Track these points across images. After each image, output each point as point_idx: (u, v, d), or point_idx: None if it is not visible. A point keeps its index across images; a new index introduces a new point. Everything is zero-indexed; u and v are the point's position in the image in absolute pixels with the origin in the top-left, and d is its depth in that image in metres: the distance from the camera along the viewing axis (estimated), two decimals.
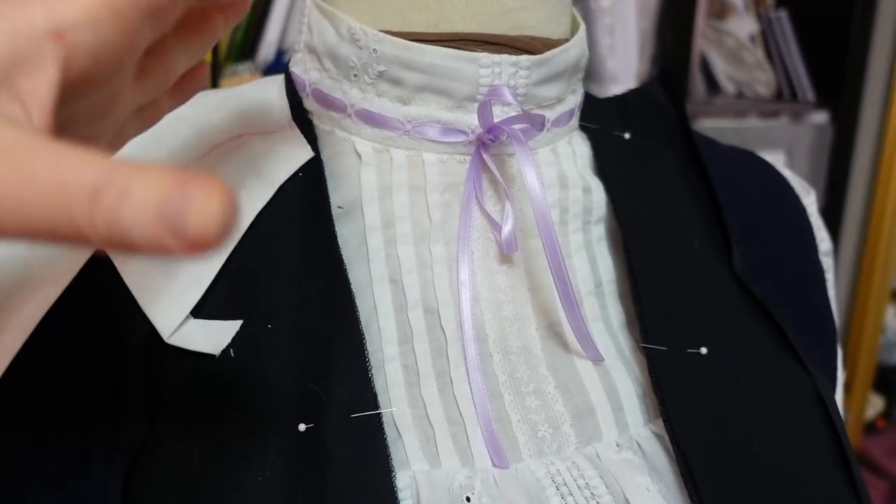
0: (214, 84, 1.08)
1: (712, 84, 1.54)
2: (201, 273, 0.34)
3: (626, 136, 0.45)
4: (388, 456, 0.31)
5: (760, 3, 1.56)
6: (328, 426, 0.31)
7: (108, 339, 0.33)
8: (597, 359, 0.37)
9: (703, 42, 1.47)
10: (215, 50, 1.07)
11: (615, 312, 0.40)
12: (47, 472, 0.32)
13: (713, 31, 1.51)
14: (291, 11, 1.18)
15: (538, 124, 0.36)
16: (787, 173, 0.52)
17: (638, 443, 0.36)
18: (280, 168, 0.37)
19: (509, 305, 0.38)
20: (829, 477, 0.37)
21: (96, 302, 0.34)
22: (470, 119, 0.37)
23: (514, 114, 0.37)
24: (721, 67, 1.54)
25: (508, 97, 0.35)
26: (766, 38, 1.56)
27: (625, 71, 1.36)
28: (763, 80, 1.54)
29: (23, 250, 0.34)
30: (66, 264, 0.34)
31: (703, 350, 0.37)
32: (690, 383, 0.36)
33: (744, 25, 1.51)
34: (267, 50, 1.16)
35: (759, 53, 1.54)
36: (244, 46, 1.16)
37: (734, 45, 1.51)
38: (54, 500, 0.31)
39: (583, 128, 0.43)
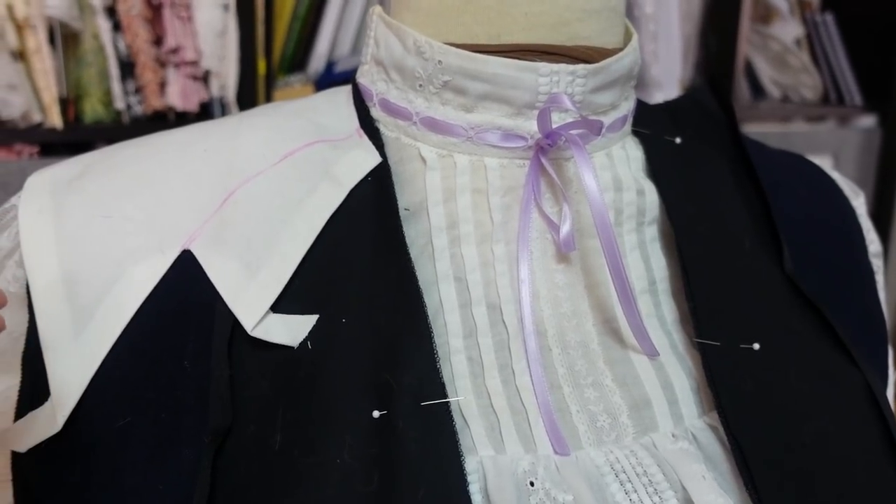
0: (268, 96, 1.12)
1: (757, 89, 1.54)
2: (281, 270, 0.36)
3: (678, 140, 0.46)
4: (457, 441, 0.33)
5: (806, 7, 1.55)
6: (400, 413, 0.33)
7: (194, 332, 0.36)
8: (652, 353, 0.39)
9: (747, 47, 1.47)
10: (269, 62, 1.11)
11: (668, 310, 0.42)
12: (139, 455, 0.34)
13: (758, 35, 1.51)
14: (341, 25, 1.21)
15: (595, 129, 0.37)
16: (836, 175, 0.53)
17: (693, 434, 0.37)
18: (350, 173, 0.39)
19: (567, 302, 0.40)
20: (880, 472, 0.38)
21: (183, 297, 0.36)
22: (529, 125, 0.39)
23: (571, 120, 0.39)
24: (766, 72, 1.54)
25: (567, 104, 0.37)
26: (812, 41, 1.55)
27: (668, 77, 1.36)
28: (809, 84, 1.53)
29: (114, 251, 0.37)
30: (156, 263, 0.36)
31: (756, 346, 0.39)
32: (744, 377, 0.38)
33: (789, 29, 1.51)
34: (317, 62, 1.20)
35: (805, 57, 1.53)
36: (295, 58, 1.20)
37: (779, 49, 1.51)
38: (146, 481, 0.34)
39: (635, 133, 0.45)
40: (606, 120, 0.41)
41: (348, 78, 0.46)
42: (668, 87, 1.36)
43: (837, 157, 1.56)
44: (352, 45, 1.22)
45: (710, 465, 0.36)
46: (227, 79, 1.08)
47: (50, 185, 0.39)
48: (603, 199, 0.38)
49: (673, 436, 0.37)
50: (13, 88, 0.97)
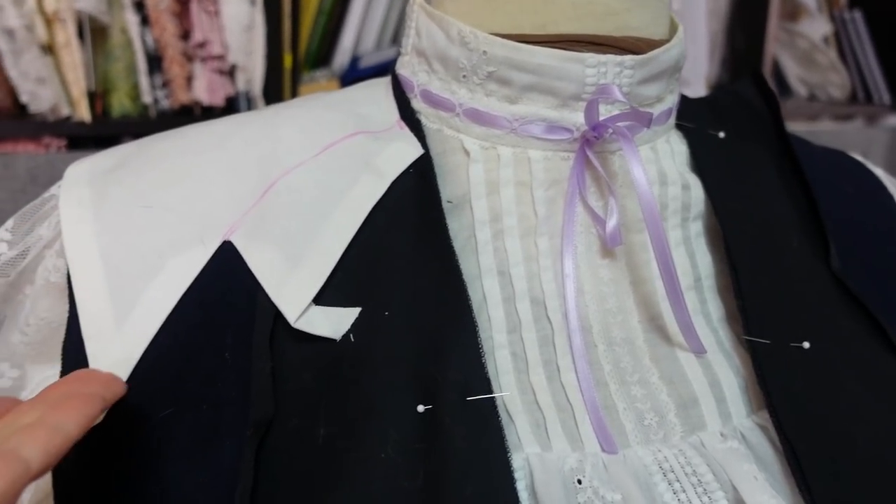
0: (294, 90, 1.12)
1: (783, 87, 1.52)
2: (323, 262, 0.36)
3: (721, 134, 0.45)
4: (504, 438, 0.32)
5: (834, 4, 1.53)
6: (445, 408, 0.33)
7: (235, 324, 0.35)
8: (699, 351, 0.38)
9: (774, 44, 1.45)
10: (295, 57, 1.11)
11: (714, 307, 0.41)
12: (181, 446, 0.34)
13: (785, 32, 1.49)
14: (365, 20, 1.21)
15: (645, 121, 0.37)
16: (880, 172, 0.52)
17: (742, 433, 0.37)
18: (392, 165, 0.39)
19: (612, 298, 0.39)
20: None
21: (224, 288, 0.36)
22: (575, 117, 0.38)
23: (617, 112, 0.38)
24: (793, 70, 1.52)
25: (618, 95, 0.36)
26: (840, 39, 1.53)
27: (695, 74, 1.35)
28: (837, 83, 1.51)
29: (154, 241, 0.37)
30: (197, 255, 0.36)
31: (806, 344, 0.38)
32: (794, 376, 0.37)
33: (817, 26, 1.49)
34: (342, 56, 1.20)
35: (833, 55, 1.51)
36: (320, 53, 1.19)
37: (807, 46, 1.49)
38: (188, 472, 0.34)
39: (679, 126, 0.44)
40: (652, 112, 0.40)
41: (373, 73, 0.45)
42: (694, 84, 1.35)
43: (865, 157, 1.53)
44: (376, 41, 1.21)
45: (760, 465, 0.35)
46: (253, 73, 1.08)
47: (89, 175, 0.39)
48: (653, 193, 0.37)
49: (721, 435, 0.36)
50: (42, 82, 0.97)
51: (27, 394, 0.41)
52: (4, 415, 0.30)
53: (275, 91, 1.09)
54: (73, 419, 0.28)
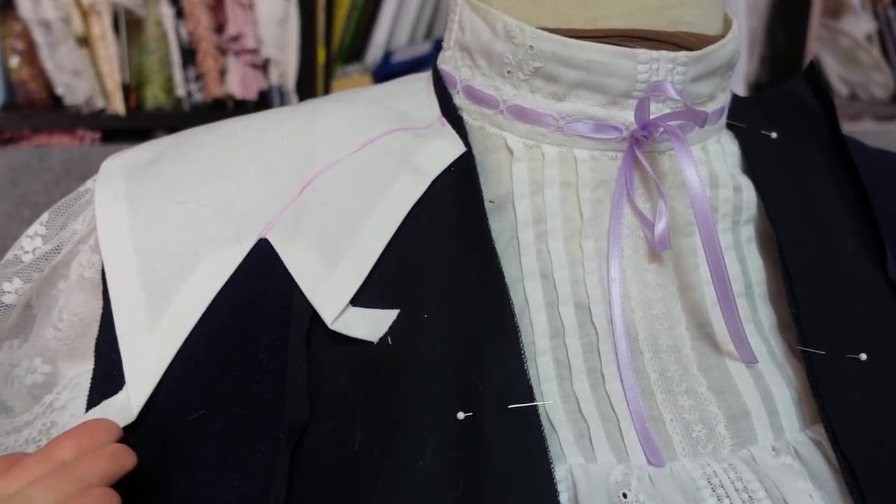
0: (327, 85, 1.11)
1: None
2: (361, 262, 0.35)
3: (773, 135, 0.44)
4: (546, 448, 0.31)
5: (878, 1, 1.49)
6: (485, 416, 0.32)
7: (270, 324, 0.34)
8: (751, 361, 0.37)
9: (815, 42, 1.42)
10: (328, 51, 1.10)
11: (766, 315, 0.39)
12: (214, 449, 0.33)
13: (827, 30, 1.45)
14: (399, 15, 1.20)
15: (700, 120, 0.35)
16: None
17: (795, 448, 0.35)
18: (433, 163, 0.38)
19: (659, 304, 0.37)
20: None
21: (259, 287, 0.35)
22: (624, 116, 0.37)
23: (668, 110, 0.37)
24: (834, 68, 1.49)
25: (672, 93, 0.35)
26: (884, 37, 1.49)
27: (734, 73, 1.32)
28: (880, 82, 1.47)
29: (190, 238, 0.36)
30: (232, 252, 0.35)
31: (863, 356, 0.36)
32: (851, 390, 0.35)
33: (860, 24, 1.45)
34: (375, 52, 1.19)
35: (876, 53, 1.47)
36: (353, 48, 1.19)
37: (849, 45, 1.45)
38: (221, 475, 0.33)
39: (730, 126, 0.43)
40: (707, 111, 0.38)
41: (406, 68, 0.44)
42: (733, 83, 1.32)
43: None
44: (409, 35, 1.20)
45: (815, 483, 0.34)
46: (286, 67, 1.07)
47: (125, 169, 0.39)
48: (706, 195, 0.35)
49: (773, 449, 0.35)
50: (77, 74, 0.97)
51: (59, 389, 0.41)
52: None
53: (308, 86, 1.08)
54: None
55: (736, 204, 0.40)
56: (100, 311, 0.37)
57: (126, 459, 0.31)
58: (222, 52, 1.06)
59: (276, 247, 0.35)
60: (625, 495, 0.32)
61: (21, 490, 0.28)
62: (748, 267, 0.40)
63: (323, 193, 0.36)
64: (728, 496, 0.33)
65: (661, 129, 0.37)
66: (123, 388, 0.34)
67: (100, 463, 0.30)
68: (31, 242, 0.39)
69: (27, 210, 0.95)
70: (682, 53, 0.36)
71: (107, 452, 0.31)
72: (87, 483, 0.30)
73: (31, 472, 0.29)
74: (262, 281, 0.35)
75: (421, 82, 0.43)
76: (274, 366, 0.34)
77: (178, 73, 1.03)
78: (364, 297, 0.35)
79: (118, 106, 1.01)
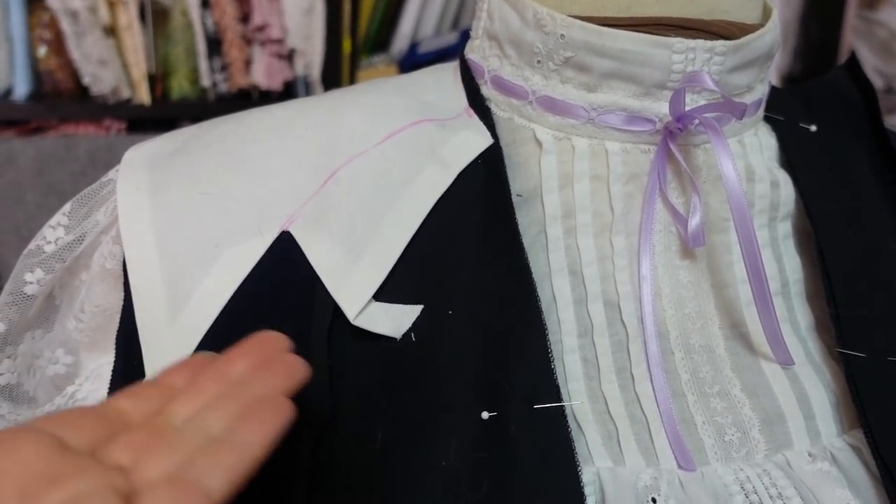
0: (352, 75, 1.11)
1: None
2: (384, 256, 0.34)
3: (813, 128, 0.42)
4: (574, 450, 0.30)
5: None
6: (511, 416, 0.31)
7: (292, 318, 0.34)
8: (787, 362, 0.35)
9: (851, 34, 1.38)
10: (354, 42, 1.10)
11: (803, 315, 0.38)
12: None
13: (863, 21, 1.42)
14: (425, 4, 1.19)
15: (738, 112, 0.34)
16: None
17: (832, 454, 0.34)
18: (459, 155, 0.37)
19: (692, 302, 0.36)
20: None
21: (281, 281, 0.34)
22: (658, 107, 0.36)
23: (703, 102, 0.36)
24: (869, 60, 1.45)
25: (709, 83, 0.34)
26: None
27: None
28: None
29: (211, 230, 0.35)
30: (254, 245, 0.35)
31: None
32: (892, 393, 0.34)
33: None
34: (401, 42, 1.18)
35: None
36: (379, 39, 1.18)
37: (886, 36, 1.42)
38: None
39: (767, 119, 0.41)
40: (746, 103, 0.37)
41: (432, 59, 0.43)
42: None
43: None
44: (435, 26, 1.19)
45: (854, 490, 0.32)
46: (311, 58, 1.07)
47: (148, 159, 0.38)
48: (743, 190, 0.34)
49: (810, 455, 0.33)
50: (104, 64, 0.98)
51: (81, 380, 0.40)
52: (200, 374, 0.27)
53: (333, 76, 1.08)
54: (261, 437, 0.25)
55: (773, 199, 0.38)
56: (121, 302, 0.37)
57: (301, 372, 0.29)
58: (248, 42, 1.06)
59: (298, 240, 0.34)
60: (654, 500, 0.31)
61: (197, 414, 0.27)
62: (785, 265, 0.38)
63: (346, 186, 0.36)
64: (762, 502, 0.32)
65: (697, 122, 0.35)
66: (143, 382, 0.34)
67: (276, 379, 0.29)
68: (54, 233, 0.39)
69: (54, 199, 0.95)
70: (720, 42, 0.35)
71: (281, 366, 0.28)
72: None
73: (207, 392, 0.28)
74: (283, 274, 0.34)
75: (448, 72, 0.42)
76: None
77: (203, 64, 1.03)
78: (387, 293, 0.34)
79: (144, 96, 1.01)
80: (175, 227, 0.35)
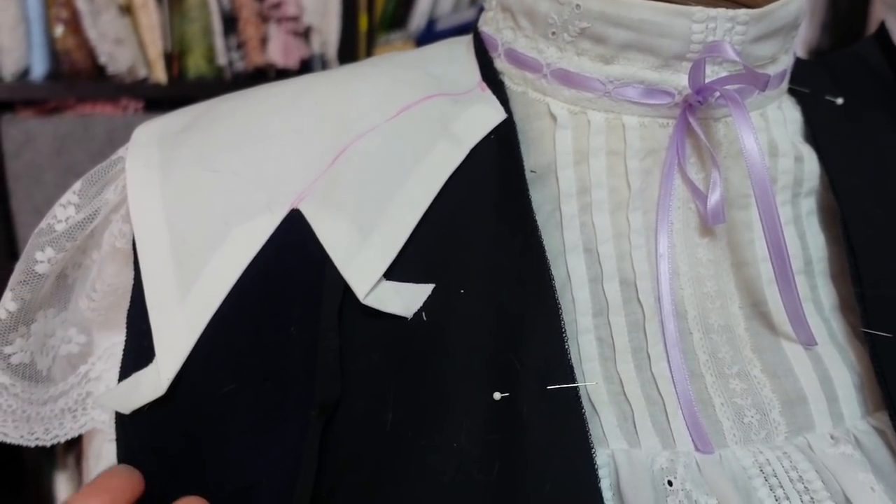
0: (369, 53, 1.10)
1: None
2: (395, 234, 0.33)
3: (839, 101, 0.41)
4: (588, 432, 0.30)
5: None
6: (523, 397, 0.30)
7: (302, 298, 0.33)
8: (810, 342, 0.34)
9: (880, 6, 1.35)
10: (370, 19, 1.09)
11: (826, 294, 0.37)
12: (243, 424, 0.32)
13: None
14: None
15: (761, 84, 0.33)
16: None
17: (855, 437, 0.33)
18: (472, 130, 0.36)
19: (710, 281, 0.35)
20: None
21: (291, 259, 0.34)
22: (676, 79, 0.35)
23: (725, 74, 0.34)
24: None
25: (731, 53, 0.32)
26: None
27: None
28: None
29: (221, 207, 0.35)
30: (264, 223, 0.34)
31: None
32: None
33: None
34: (418, 19, 1.17)
35: None
36: (396, 15, 1.17)
37: None
38: (250, 452, 0.32)
39: (791, 92, 0.40)
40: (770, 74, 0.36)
41: (449, 36, 0.42)
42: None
43: None
44: (453, 2, 1.18)
45: (878, 474, 0.31)
46: (328, 35, 1.06)
47: (157, 137, 0.38)
48: (765, 165, 0.33)
49: (832, 437, 0.33)
50: (120, 43, 0.97)
51: (94, 360, 0.40)
52: None
53: (349, 53, 1.07)
54: None
55: (797, 175, 0.37)
56: (132, 281, 0.36)
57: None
58: (264, 19, 1.05)
59: (308, 217, 0.34)
60: (670, 483, 0.30)
61: None
62: (808, 243, 0.37)
63: (357, 162, 0.35)
64: (781, 486, 0.31)
65: (717, 94, 0.34)
66: (153, 361, 0.34)
67: None
68: (65, 211, 0.38)
69: (73, 179, 0.95)
70: (742, 11, 0.34)
71: None
72: None
73: None
74: (293, 252, 0.34)
75: (461, 46, 0.41)
76: (305, 340, 0.33)
77: (219, 42, 1.03)
78: (398, 271, 0.33)
79: (160, 75, 1.01)
80: (184, 204, 0.35)
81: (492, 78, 0.38)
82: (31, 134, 1.01)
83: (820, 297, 0.37)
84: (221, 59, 1.04)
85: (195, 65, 1.04)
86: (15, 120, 1.04)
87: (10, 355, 0.38)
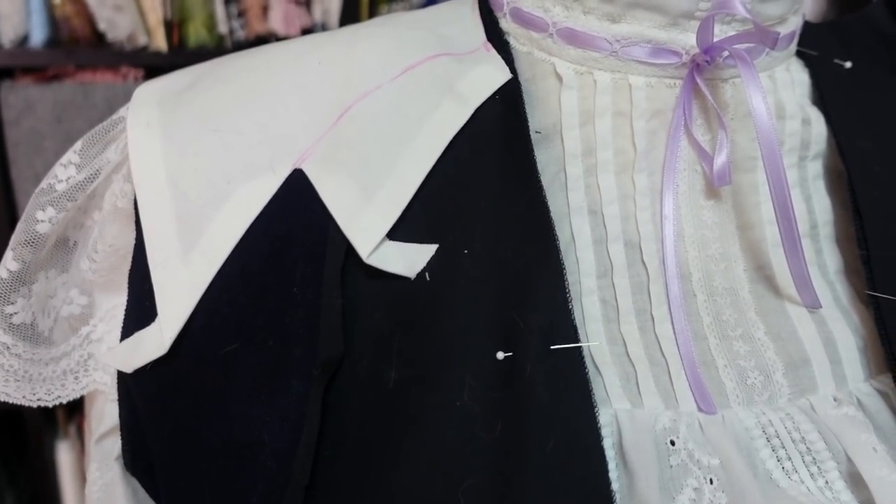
0: None
1: None
2: (399, 194, 0.33)
3: (848, 64, 0.40)
4: (590, 391, 0.30)
5: None
6: (527, 356, 0.30)
7: (305, 257, 0.33)
8: (814, 305, 0.34)
9: None
10: None
11: (831, 257, 0.37)
12: (246, 383, 0.32)
13: None
14: None
15: (770, 42, 0.32)
16: None
17: (858, 399, 0.33)
18: (476, 90, 0.36)
19: (715, 243, 0.35)
20: None
21: (294, 219, 0.34)
22: (684, 39, 0.34)
23: (733, 33, 0.34)
24: None
25: (741, 10, 0.32)
26: None
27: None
28: None
29: (223, 167, 0.35)
30: (266, 182, 0.34)
31: None
32: None
33: None
34: None
35: None
36: None
37: None
38: (252, 410, 0.32)
39: (800, 54, 0.40)
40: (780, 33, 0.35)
41: None
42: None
43: None
44: None
45: (880, 435, 0.32)
46: (329, 3, 1.05)
47: (159, 96, 0.37)
48: (773, 127, 0.33)
49: (835, 399, 0.33)
50: (119, 9, 0.96)
51: (95, 321, 0.40)
52: None
53: (351, 22, 1.05)
54: None
55: (804, 138, 0.37)
56: (133, 241, 0.36)
57: None
58: None
59: (311, 177, 0.34)
60: (672, 443, 0.30)
61: None
62: (814, 206, 0.37)
63: (360, 122, 0.35)
64: (784, 447, 0.31)
65: (726, 54, 0.34)
66: (156, 320, 0.34)
67: None
68: (65, 171, 0.38)
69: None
70: None
71: None
72: None
73: None
74: (296, 212, 0.34)
75: (466, 6, 0.40)
76: (308, 300, 0.32)
77: (220, 10, 1.02)
78: (402, 231, 0.33)
79: (160, 42, 1.00)
80: (186, 163, 0.35)
81: (497, 38, 0.37)
82: (30, 101, 1.01)
83: (825, 260, 0.37)
84: (222, 28, 1.03)
85: (196, 33, 1.03)
86: (14, 87, 1.03)
87: (11, 315, 0.38)
